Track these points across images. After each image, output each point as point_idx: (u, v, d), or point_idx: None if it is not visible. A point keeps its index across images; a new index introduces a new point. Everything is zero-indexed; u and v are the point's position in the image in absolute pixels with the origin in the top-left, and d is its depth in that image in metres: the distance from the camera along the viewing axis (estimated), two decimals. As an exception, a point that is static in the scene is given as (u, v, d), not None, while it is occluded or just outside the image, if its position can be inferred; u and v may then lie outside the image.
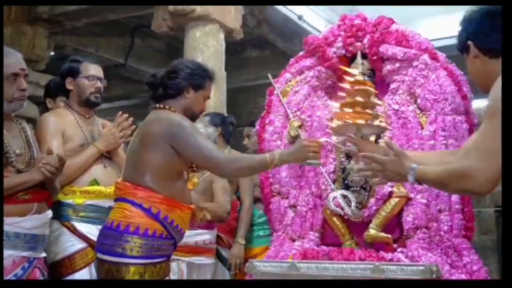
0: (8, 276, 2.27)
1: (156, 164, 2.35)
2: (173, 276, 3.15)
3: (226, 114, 5.11)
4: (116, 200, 2.44)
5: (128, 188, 2.36)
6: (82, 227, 2.72)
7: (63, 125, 2.81)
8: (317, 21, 6.59)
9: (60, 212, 2.71)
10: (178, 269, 3.20)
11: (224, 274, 3.77)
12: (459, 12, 6.71)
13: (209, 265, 3.41)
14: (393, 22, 3.09)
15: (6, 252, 2.27)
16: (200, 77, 2.53)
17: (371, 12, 3.20)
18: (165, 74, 2.53)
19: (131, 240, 2.27)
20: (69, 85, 2.92)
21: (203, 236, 3.41)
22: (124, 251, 2.26)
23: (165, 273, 2.39)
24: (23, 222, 2.32)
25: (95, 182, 2.79)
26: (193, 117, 2.55)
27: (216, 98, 5.02)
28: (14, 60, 2.39)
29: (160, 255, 2.34)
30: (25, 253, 2.33)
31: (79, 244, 2.71)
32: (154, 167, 2.35)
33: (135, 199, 2.33)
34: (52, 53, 6.60)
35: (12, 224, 2.29)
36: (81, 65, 2.92)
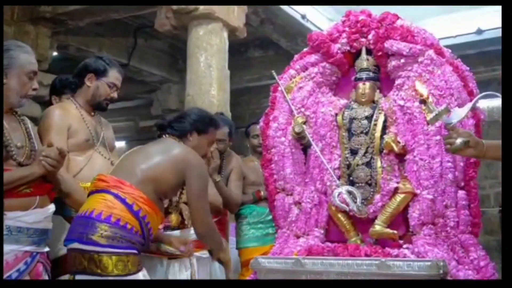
0: (11, 271, 2.24)
1: (158, 179, 2.46)
2: (186, 272, 3.15)
3: (229, 114, 5.12)
4: (95, 191, 2.44)
5: (115, 181, 2.41)
6: None
7: (68, 119, 2.80)
8: (321, 20, 6.58)
9: (63, 207, 2.69)
10: (190, 264, 3.20)
11: (217, 274, 3.78)
12: (461, 12, 6.68)
13: (208, 258, 3.43)
14: (398, 17, 3.07)
15: (9, 247, 2.25)
16: (204, 124, 2.72)
17: (374, 11, 3.18)
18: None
19: (109, 229, 2.29)
20: (88, 81, 2.91)
21: None
22: (109, 241, 2.28)
23: (140, 265, 2.38)
24: (26, 216, 2.30)
25: None
26: None
27: (220, 97, 5.01)
28: (34, 60, 2.45)
29: (136, 248, 2.36)
30: (27, 248, 2.31)
31: None
32: (155, 180, 2.45)
33: (119, 192, 2.37)
34: (55, 53, 6.61)
35: (14, 218, 2.27)
36: (109, 70, 2.92)
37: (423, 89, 2.54)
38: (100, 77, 2.90)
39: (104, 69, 2.90)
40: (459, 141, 2.23)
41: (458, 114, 2.32)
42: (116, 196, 2.36)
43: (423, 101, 2.51)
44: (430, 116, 2.38)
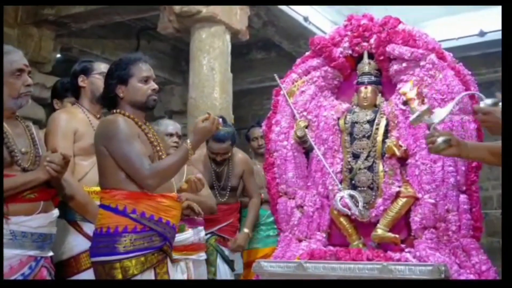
0: (15, 275, 2.25)
1: (109, 165, 2.38)
2: (182, 275, 3.16)
3: (232, 116, 5.13)
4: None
5: (100, 194, 2.46)
6: (88, 227, 2.69)
7: (75, 123, 2.82)
8: (323, 22, 6.58)
9: (66, 212, 2.69)
10: (186, 267, 3.22)
11: (227, 276, 3.80)
12: (463, 14, 6.65)
13: (204, 260, 3.47)
14: (400, 22, 3.08)
15: (13, 252, 2.26)
16: (121, 69, 2.48)
17: (376, 15, 3.20)
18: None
19: (105, 240, 2.32)
20: (81, 83, 2.96)
21: (202, 232, 3.46)
22: (101, 250, 2.33)
23: (145, 266, 2.33)
24: (30, 221, 2.31)
25: None
26: (145, 107, 2.51)
27: (222, 100, 5.01)
28: (18, 56, 2.41)
29: (138, 249, 2.33)
30: (32, 252, 2.32)
31: (85, 244, 2.65)
32: (110, 167, 2.38)
33: (104, 202, 2.40)
34: (58, 55, 6.61)
35: (18, 223, 2.28)
36: (94, 64, 2.99)
37: (408, 90, 2.53)
38: (89, 74, 2.95)
39: (89, 66, 2.97)
40: (440, 139, 2.21)
41: (440, 114, 2.33)
42: (103, 207, 2.39)
43: (406, 102, 2.51)
44: (412, 117, 2.38)
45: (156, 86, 2.53)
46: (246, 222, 3.88)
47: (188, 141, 2.40)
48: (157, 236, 2.38)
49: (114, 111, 2.49)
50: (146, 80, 2.50)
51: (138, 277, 2.31)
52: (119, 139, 2.35)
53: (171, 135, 3.41)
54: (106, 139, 2.38)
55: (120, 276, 2.28)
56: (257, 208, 3.96)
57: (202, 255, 3.42)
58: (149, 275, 2.35)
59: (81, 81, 2.96)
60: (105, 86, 2.54)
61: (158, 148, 2.53)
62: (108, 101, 2.54)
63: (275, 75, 3.34)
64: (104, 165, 2.41)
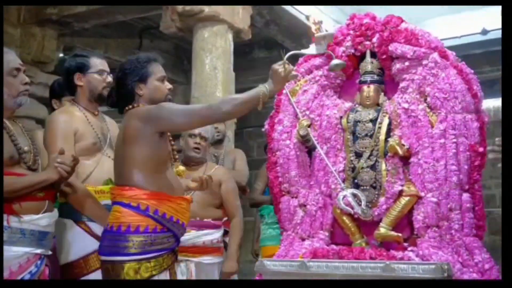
0: (23, 274, 2.28)
1: (138, 160, 2.37)
2: (182, 277, 3.13)
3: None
4: (112, 204, 2.48)
5: (117, 190, 2.43)
6: (96, 227, 2.67)
7: (74, 123, 2.77)
8: (326, 21, 6.56)
9: (74, 212, 2.68)
10: (186, 269, 3.18)
11: None
12: (466, 12, 6.65)
13: (217, 264, 3.41)
14: (402, 21, 3.08)
15: (22, 249, 2.29)
16: (141, 68, 2.51)
17: (379, 14, 3.19)
18: (115, 87, 2.59)
19: (123, 238, 2.32)
20: (78, 81, 2.88)
21: (211, 236, 3.38)
22: (118, 249, 2.31)
23: (162, 267, 2.36)
24: (40, 219, 2.35)
25: (110, 181, 2.73)
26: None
27: (225, 99, 5.02)
28: (13, 56, 2.44)
29: (157, 250, 2.34)
30: (38, 250, 2.36)
31: (94, 245, 2.60)
32: (137, 164, 2.38)
33: (123, 199, 2.38)
34: (61, 54, 6.63)
35: (29, 221, 2.31)
36: (90, 60, 2.89)
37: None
38: (86, 72, 2.87)
39: (85, 63, 2.88)
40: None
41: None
42: (122, 205, 2.37)
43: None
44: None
45: (171, 86, 2.59)
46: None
47: (267, 85, 2.35)
48: (172, 237, 2.41)
49: (131, 106, 2.50)
50: (162, 80, 2.54)
51: (156, 278, 2.32)
52: (172, 107, 2.38)
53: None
54: (155, 119, 2.35)
55: (138, 276, 2.27)
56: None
57: (209, 259, 3.35)
58: (166, 276, 2.37)
59: (77, 79, 2.87)
60: (124, 84, 2.52)
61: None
62: (123, 98, 2.54)
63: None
64: (127, 161, 2.39)
